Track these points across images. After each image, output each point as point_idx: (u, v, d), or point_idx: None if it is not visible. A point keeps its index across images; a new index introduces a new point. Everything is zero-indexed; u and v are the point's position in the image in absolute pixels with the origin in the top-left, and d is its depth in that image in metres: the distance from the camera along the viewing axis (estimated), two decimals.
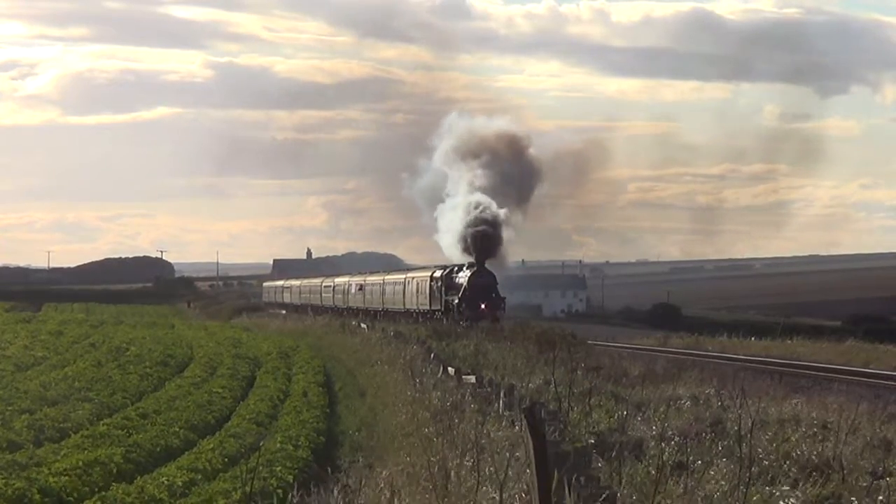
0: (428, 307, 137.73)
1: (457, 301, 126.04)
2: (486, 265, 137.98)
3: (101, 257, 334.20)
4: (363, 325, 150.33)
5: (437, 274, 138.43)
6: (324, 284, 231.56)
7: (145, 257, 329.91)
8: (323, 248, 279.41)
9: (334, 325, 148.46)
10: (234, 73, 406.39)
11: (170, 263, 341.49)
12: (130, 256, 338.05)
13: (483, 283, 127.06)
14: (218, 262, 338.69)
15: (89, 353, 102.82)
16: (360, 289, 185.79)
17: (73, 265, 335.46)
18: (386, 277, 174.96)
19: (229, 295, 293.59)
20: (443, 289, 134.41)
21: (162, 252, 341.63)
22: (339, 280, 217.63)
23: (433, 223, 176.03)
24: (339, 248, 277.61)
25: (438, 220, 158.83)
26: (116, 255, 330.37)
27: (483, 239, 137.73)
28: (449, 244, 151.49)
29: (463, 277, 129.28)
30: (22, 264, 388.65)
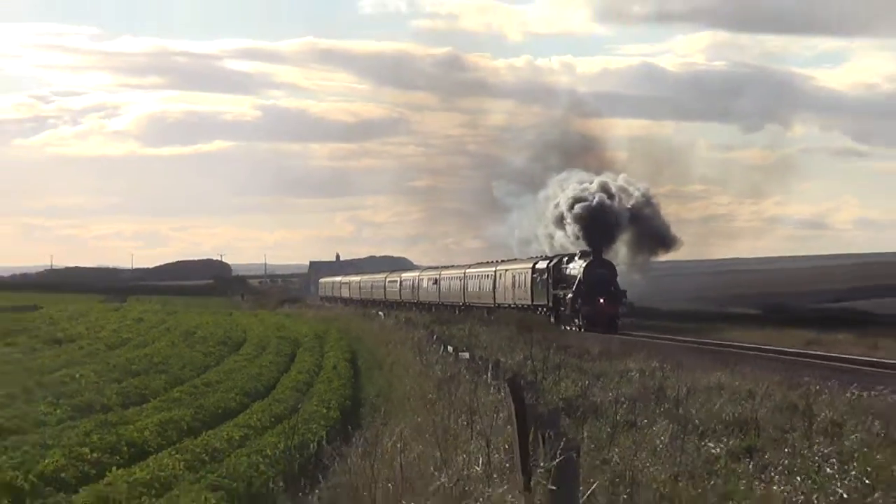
0: (529, 302, 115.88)
1: (570, 296, 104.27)
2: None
3: (174, 259, 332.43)
4: (380, 314, 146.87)
5: (542, 265, 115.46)
6: (388, 280, 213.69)
7: (208, 260, 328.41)
8: (348, 253, 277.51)
9: (358, 314, 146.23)
10: (278, 113, 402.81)
11: (227, 264, 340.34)
12: (196, 259, 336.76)
13: (601, 274, 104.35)
14: (265, 264, 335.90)
15: (165, 335, 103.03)
16: (435, 283, 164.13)
17: (151, 266, 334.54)
18: (468, 270, 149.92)
19: (274, 290, 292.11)
20: (549, 281, 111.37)
21: (221, 255, 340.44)
22: (406, 275, 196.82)
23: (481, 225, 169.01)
24: (361, 252, 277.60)
25: (529, 212, 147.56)
26: (185, 258, 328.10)
27: (602, 223, 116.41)
28: (548, 233, 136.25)
29: (576, 268, 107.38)
30: (111, 265, 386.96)
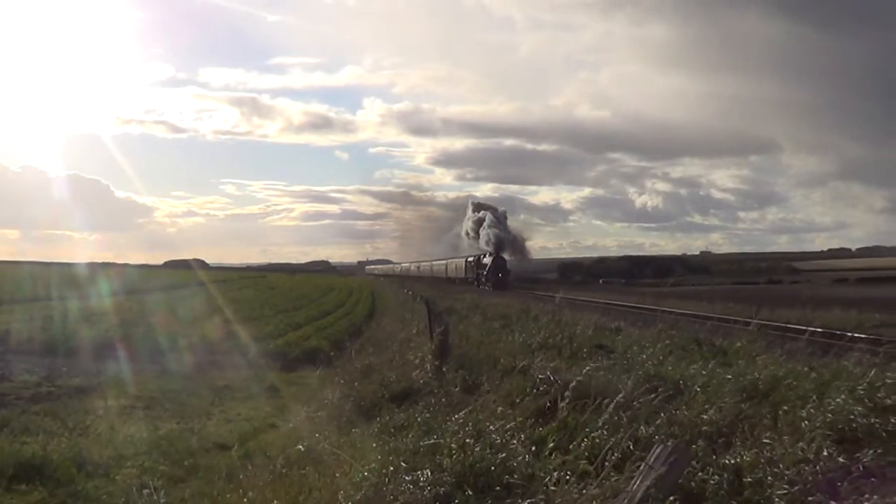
0: (463, 276, 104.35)
1: (484, 273, 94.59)
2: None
3: (312, 259, 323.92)
4: (382, 278, 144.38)
5: (471, 259, 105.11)
6: (395, 266, 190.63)
7: (323, 261, 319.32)
8: (373, 257, 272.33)
9: (378, 280, 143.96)
10: (347, 211, 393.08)
11: (329, 262, 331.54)
12: (320, 260, 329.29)
13: (500, 263, 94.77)
14: (341, 262, 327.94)
15: (307, 285, 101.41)
16: (418, 268, 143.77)
17: (305, 261, 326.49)
18: (433, 262, 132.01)
19: (346, 271, 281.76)
20: (474, 266, 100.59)
21: (328, 259, 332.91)
22: (404, 265, 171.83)
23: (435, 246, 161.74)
24: (377, 257, 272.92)
25: (468, 235, 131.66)
26: (317, 259, 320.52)
27: (499, 243, 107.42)
28: (476, 244, 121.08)
29: (488, 260, 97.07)
30: (288, 261, 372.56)
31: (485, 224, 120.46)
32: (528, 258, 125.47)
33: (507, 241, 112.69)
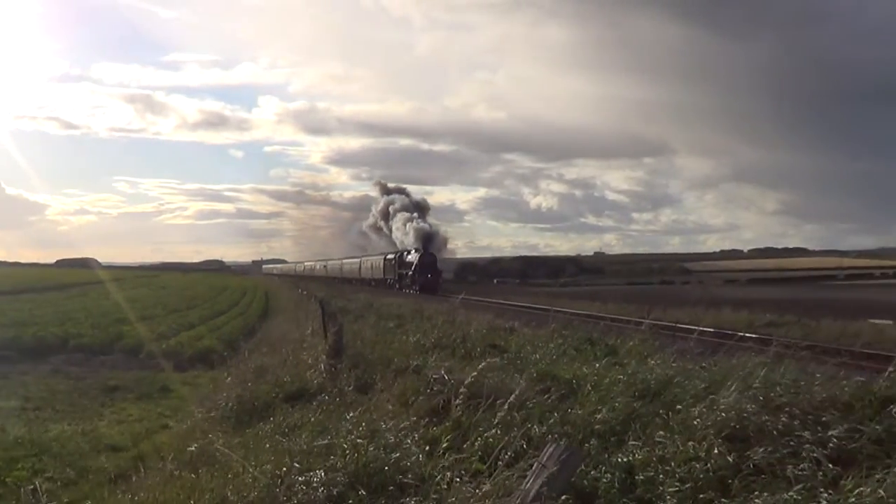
0: (382, 277, 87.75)
1: (410, 273, 77.78)
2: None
3: (207, 259, 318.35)
4: (278, 279, 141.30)
5: (391, 256, 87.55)
6: (297, 265, 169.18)
7: (217, 261, 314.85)
8: (267, 257, 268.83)
9: (274, 281, 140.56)
10: (243, 211, 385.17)
11: (223, 261, 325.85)
12: (214, 259, 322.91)
13: (429, 260, 77.34)
14: (235, 262, 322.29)
15: (201, 285, 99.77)
16: (325, 267, 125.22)
17: (199, 260, 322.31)
18: (343, 260, 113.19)
19: (240, 271, 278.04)
20: (395, 266, 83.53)
21: (222, 259, 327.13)
22: (307, 263, 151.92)
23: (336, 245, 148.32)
24: (271, 256, 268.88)
25: (376, 229, 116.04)
26: (211, 259, 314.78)
27: (427, 236, 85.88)
28: (390, 238, 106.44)
29: (413, 257, 79.81)
30: (181, 260, 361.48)
31: (397, 211, 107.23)
32: (443, 257, 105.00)
33: (434, 235, 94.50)
